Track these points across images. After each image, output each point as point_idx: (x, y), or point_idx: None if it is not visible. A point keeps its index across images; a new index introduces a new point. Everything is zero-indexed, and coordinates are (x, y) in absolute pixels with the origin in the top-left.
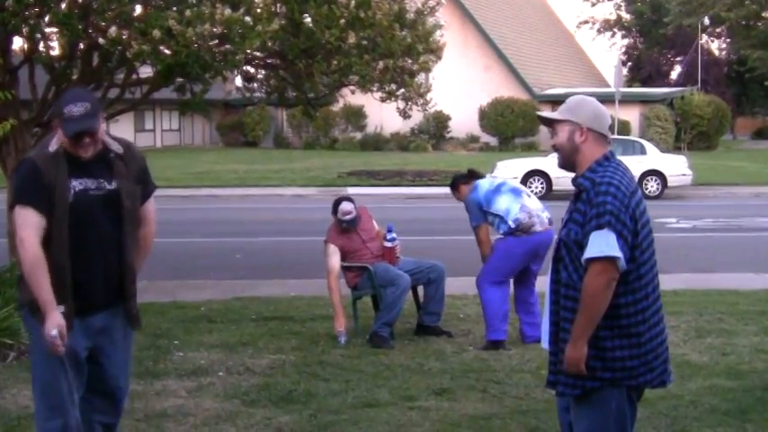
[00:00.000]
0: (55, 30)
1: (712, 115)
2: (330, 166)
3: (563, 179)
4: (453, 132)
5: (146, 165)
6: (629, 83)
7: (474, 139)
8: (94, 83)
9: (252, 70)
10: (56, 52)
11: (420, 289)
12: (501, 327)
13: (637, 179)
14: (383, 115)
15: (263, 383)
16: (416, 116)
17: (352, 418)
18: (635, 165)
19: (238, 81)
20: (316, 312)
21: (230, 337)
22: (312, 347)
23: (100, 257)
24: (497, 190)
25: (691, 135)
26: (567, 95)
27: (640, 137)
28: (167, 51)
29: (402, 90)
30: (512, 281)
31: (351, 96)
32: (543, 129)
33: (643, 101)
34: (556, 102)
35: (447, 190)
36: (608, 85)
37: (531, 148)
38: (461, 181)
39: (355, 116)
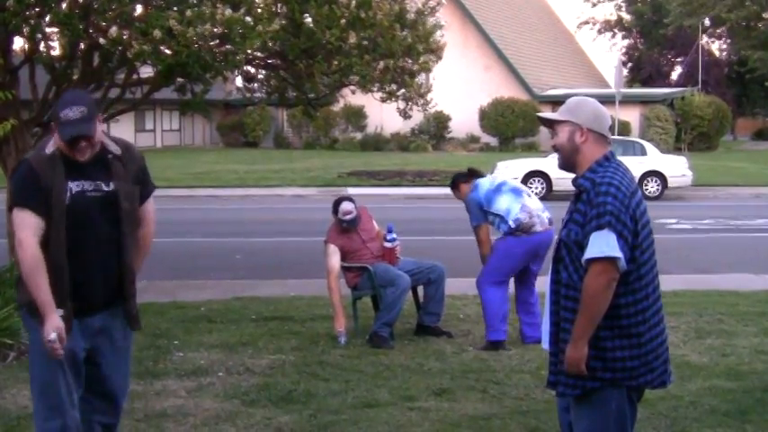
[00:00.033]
0: (56, 30)
1: (713, 116)
2: (330, 167)
3: (563, 180)
4: (453, 133)
5: (145, 165)
6: (630, 83)
7: (474, 139)
8: (95, 83)
9: (252, 70)
10: (56, 52)
11: (420, 289)
12: (501, 327)
13: (637, 180)
14: (383, 115)
15: (262, 383)
16: (417, 116)
17: (351, 418)
18: (635, 165)
19: (239, 81)
20: (316, 312)
21: (230, 338)
22: (312, 347)
23: (98, 258)
24: (498, 189)
25: (691, 136)
26: (567, 96)
27: (640, 137)
28: (168, 51)
29: (402, 90)
30: (512, 281)
31: (351, 96)
32: (543, 129)
33: (643, 101)
34: (556, 102)
35: (447, 190)
36: (608, 86)
37: (532, 149)
38: (462, 180)
39: (355, 116)
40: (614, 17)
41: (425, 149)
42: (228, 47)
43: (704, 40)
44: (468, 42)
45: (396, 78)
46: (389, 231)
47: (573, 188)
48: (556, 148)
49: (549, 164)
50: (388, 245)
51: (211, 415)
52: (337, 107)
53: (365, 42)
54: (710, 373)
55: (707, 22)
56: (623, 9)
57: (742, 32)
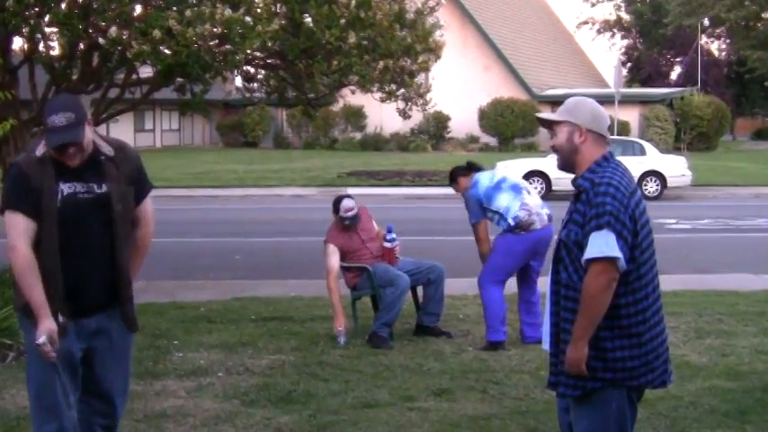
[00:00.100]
0: (55, 30)
1: (712, 116)
2: (330, 167)
3: (562, 180)
4: (453, 133)
5: (140, 165)
6: (629, 83)
7: (474, 139)
8: (94, 83)
9: (252, 70)
10: (56, 52)
11: (419, 289)
12: (501, 327)
13: (636, 180)
14: (383, 115)
15: (262, 384)
16: (416, 116)
17: (351, 418)
18: (634, 165)
19: (238, 81)
20: (315, 313)
21: (230, 338)
22: (311, 348)
23: (91, 261)
24: (498, 187)
25: (690, 136)
26: (566, 96)
27: (640, 137)
28: (167, 51)
29: (402, 90)
30: (514, 280)
31: (351, 96)
32: (543, 129)
33: (643, 101)
34: (555, 102)
35: (447, 190)
36: (608, 86)
37: (531, 149)
38: (461, 173)
39: (355, 116)
40: (613, 17)
41: (425, 149)
42: (228, 47)
43: (703, 39)
44: (468, 42)
45: (395, 78)
46: (389, 231)
47: (572, 188)
48: (555, 149)
49: (549, 164)
50: (387, 245)
51: (211, 415)
52: (337, 107)
53: (365, 42)
54: (710, 373)
55: (706, 21)
56: (622, 9)
57: (741, 32)
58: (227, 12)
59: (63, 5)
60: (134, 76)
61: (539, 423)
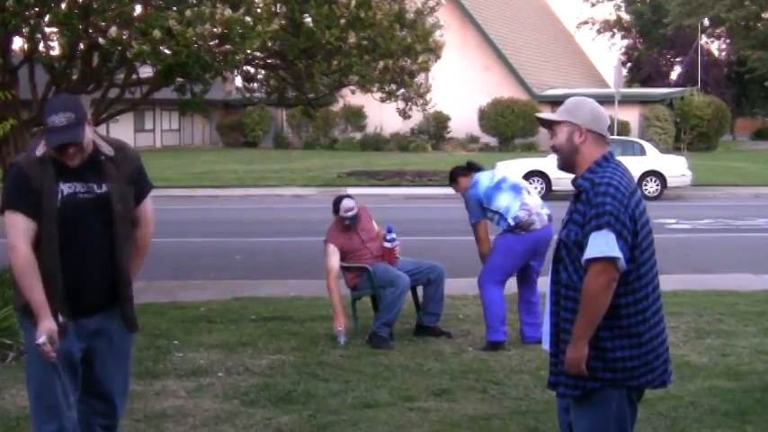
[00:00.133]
0: (55, 30)
1: (712, 116)
2: (330, 167)
3: (563, 180)
4: (453, 133)
5: (140, 165)
6: (629, 83)
7: (474, 139)
8: (94, 83)
9: (252, 70)
10: (56, 52)
11: (419, 289)
12: (501, 328)
13: (636, 180)
14: (383, 115)
15: (262, 384)
16: (416, 116)
17: (351, 418)
18: (634, 165)
19: (238, 81)
20: (315, 313)
21: (230, 338)
22: (311, 348)
23: (91, 261)
24: (498, 187)
25: (690, 136)
26: (566, 96)
27: (640, 137)
28: (167, 51)
29: (402, 90)
30: (515, 280)
31: (350, 96)
32: (543, 129)
33: (643, 101)
34: (555, 102)
35: (447, 190)
36: (608, 86)
37: (531, 149)
38: (461, 173)
39: (355, 116)
40: (613, 17)
41: (425, 149)
42: (228, 47)
43: (703, 40)
44: (468, 42)
45: (395, 78)
46: (389, 231)
47: (572, 188)
48: (555, 149)
49: (549, 164)
50: (387, 245)
51: (211, 415)
52: (337, 107)
53: (365, 42)
54: (710, 373)
55: (706, 21)
56: (622, 9)
57: (741, 32)
58: (228, 12)
59: (63, 5)
60: (134, 76)
61: (539, 423)
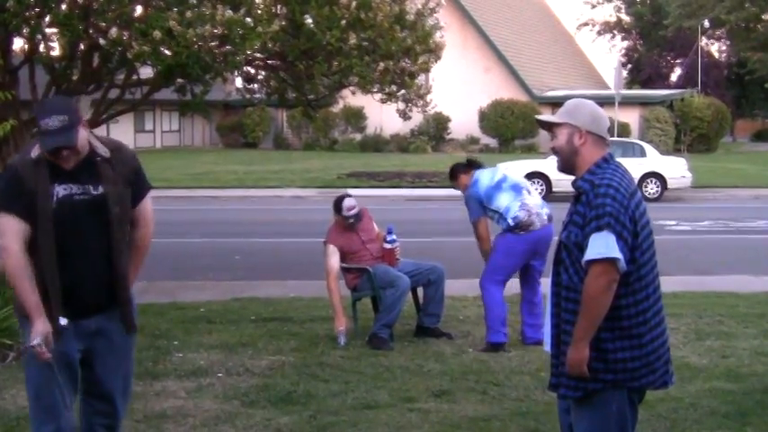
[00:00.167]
0: (55, 30)
1: (712, 117)
2: (330, 168)
3: (563, 181)
4: (453, 134)
5: (138, 166)
6: (629, 85)
7: (474, 140)
8: (95, 83)
9: (252, 71)
10: (56, 53)
11: (420, 290)
12: (501, 329)
13: (636, 181)
14: (383, 116)
15: (262, 384)
16: (416, 117)
17: (351, 419)
18: (635, 167)
19: (239, 82)
20: (315, 313)
21: (230, 338)
22: (311, 348)
23: (88, 263)
24: (498, 186)
25: (690, 137)
26: (566, 97)
27: (640, 139)
28: (168, 52)
29: (402, 91)
30: (517, 281)
31: (351, 97)
32: (543, 130)
33: (643, 103)
34: (556, 104)
35: (447, 191)
36: (608, 87)
37: (531, 150)
38: (461, 170)
39: (355, 117)
40: (614, 19)
41: (425, 151)
42: (228, 48)
43: (704, 41)
44: (468, 44)
45: (395, 79)
46: (389, 233)
47: (572, 189)
48: (555, 151)
49: (549, 165)
50: (387, 246)
51: (211, 416)
52: (337, 108)
53: (365, 43)
54: (710, 374)
55: (706, 23)
56: (623, 11)
57: (741, 34)
58: (228, 13)
59: (63, 6)
60: (134, 77)
61: (539, 424)
